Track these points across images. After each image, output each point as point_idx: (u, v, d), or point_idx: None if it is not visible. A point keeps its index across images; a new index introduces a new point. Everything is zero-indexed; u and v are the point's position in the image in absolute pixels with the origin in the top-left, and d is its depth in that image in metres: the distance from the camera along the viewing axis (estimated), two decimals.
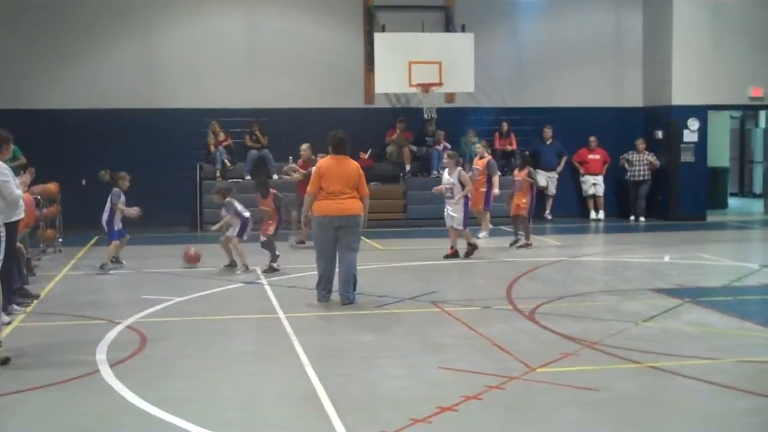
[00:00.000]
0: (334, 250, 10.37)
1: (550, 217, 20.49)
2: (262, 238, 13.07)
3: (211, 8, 19.71)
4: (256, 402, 6.58)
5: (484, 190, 16.34)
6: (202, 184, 18.98)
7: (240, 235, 13.03)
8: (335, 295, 10.44)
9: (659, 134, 20.66)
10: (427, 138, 20.24)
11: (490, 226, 16.88)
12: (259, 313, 9.92)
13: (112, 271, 13.01)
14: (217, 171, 19.08)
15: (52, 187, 15.05)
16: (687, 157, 20.33)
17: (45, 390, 6.88)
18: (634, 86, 21.23)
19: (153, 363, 7.72)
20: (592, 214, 20.69)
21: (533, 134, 20.79)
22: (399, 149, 19.91)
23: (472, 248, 14.11)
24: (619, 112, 21.03)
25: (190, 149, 19.26)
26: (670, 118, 20.29)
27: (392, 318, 9.71)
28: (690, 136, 20.30)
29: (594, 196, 20.81)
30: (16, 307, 9.87)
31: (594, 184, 20.75)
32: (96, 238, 16.30)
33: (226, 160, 19.05)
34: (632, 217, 20.48)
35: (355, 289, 10.42)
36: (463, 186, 13.98)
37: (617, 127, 20.85)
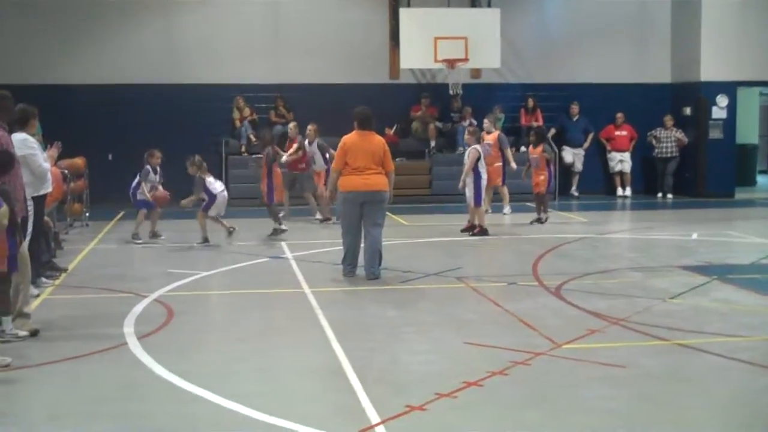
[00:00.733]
0: (360, 225, 10.37)
1: (576, 193, 20.39)
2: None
3: None
4: (282, 375, 6.61)
5: (499, 164, 16.25)
6: (227, 160, 19.02)
7: (205, 209, 13.06)
8: (360, 270, 10.45)
9: (687, 111, 20.46)
10: (452, 114, 20.16)
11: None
12: (285, 288, 9.95)
13: (139, 242, 13.14)
14: (242, 146, 19.11)
15: (79, 161, 15.15)
16: (715, 133, 20.13)
17: (73, 362, 6.95)
18: (662, 62, 21.00)
19: (180, 336, 7.77)
20: (619, 191, 20.56)
21: (560, 110, 20.64)
22: (424, 125, 19.86)
23: (480, 230, 13.78)
24: (646, 89, 20.82)
25: (215, 125, 19.30)
26: (699, 94, 20.07)
27: (417, 293, 9.70)
28: (718, 112, 20.10)
29: (621, 173, 20.67)
30: (44, 280, 9.97)
31: (621, 161, 20.60)
32: (122, 212, 16.40)
33: (251, 136, 19.06)
34: (659, 194, 20.34)
35: (380, 265, 10.43)
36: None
37: (645, 104, 20.65)
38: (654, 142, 20.43)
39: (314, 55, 19.73)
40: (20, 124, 9.00)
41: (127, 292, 9.60)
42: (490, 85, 20.34)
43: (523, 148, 18.71)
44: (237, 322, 8.38)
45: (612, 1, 20.78)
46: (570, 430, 5.44)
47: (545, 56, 20.73)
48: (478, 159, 13.72)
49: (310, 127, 16.00)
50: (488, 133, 16.41)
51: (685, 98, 20.49)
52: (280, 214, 14.56)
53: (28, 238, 8.29)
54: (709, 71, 19.86)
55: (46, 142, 12.23)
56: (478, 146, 13.95)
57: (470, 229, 13.98)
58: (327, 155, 15.52)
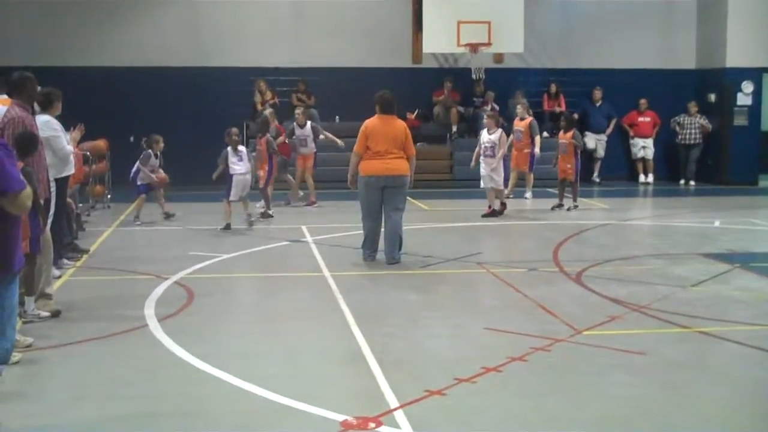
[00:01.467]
0: (380, 209, 10.36)
1: (598, 180, 20.28)
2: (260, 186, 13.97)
3: None
4: (301, 359, 6.62)
5: (528, 151, 16.23)
6: (248, 143, 19.00)
7: (226, 195, 12.90)
8: (380, 255, 10.44)
9: (712, 97, 20.27)
10: (474, 99, 20.08)
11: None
12: (305, 271, 9.96)
13: (137, 223, 13.46)
14: (268, 118, 19.05)
15: (101, 143, 15.23)
16: (740, 120, 19.94)
17: (94, 342, 6.99)
18: (686, 47, 20.80)
19: (200, 318, 7.80)
20: (641, 178, 20.43)
21: (582, 96, 20.51)
22: (446, 110, 19.79)
23: (503, 207, 14.20)
24: (670, 74, 20.64)
25: (237, 107, 19.29)
26: (724, 80, 19.88)
27: (437, 278, 9.69)
28: (744, 99, 19.89)
29: (643, 159, 20.53)
30: (66, 261, 10.03)
31: (643, 147, 20.47)
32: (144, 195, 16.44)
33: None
34: (682, 181, 20.19)
35: (400, 249, 10.42)
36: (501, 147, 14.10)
37: (668, 90, 20.47)
38: (677, 128, 20.27)
39: (337, 39, 19.68)
40: (44, 106, 9.04)
41: (147, 274, 9.65)
42: (513, 70, 20.24)
43: (545, 134, 18.60)
44: (257, 305, 8.41)
45: None
46: (589, 417, 5.42)
47: (568, 41, 20.59)
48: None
49: (298, 111, 16.00)
50: (521, 119, 16.39)
51: (710, 84, 20.30)
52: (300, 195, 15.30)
53: (50, 219, 8.34)
54: (735, 57, 19.64)
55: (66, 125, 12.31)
56: (502, 130, 14.25)
57: (492, 214, 14.04)
58: (318, 138, 15.68)
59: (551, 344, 6.83)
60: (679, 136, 20.24)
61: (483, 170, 14.11)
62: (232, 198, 12.94)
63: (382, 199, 10.29)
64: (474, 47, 18.40)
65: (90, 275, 9.73)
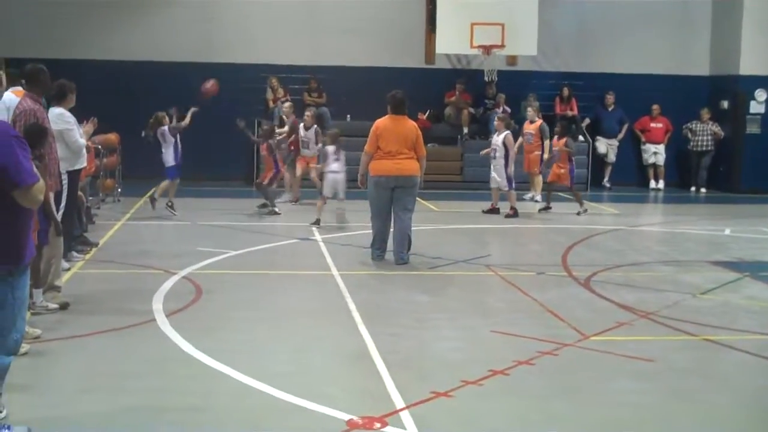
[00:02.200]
0: (390, 209, 10.36)
1: (608, 185, 20.24)
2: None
3: None
4: (308, 357, 6.62)
5: (538, 153, 16.29)
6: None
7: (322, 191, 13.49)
8: (389, 255, 10.44)
9: (725, 104, 20.20)
10: (486, 101, 20.05)
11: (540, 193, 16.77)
12: (314, 270, 9.96)
13: (175, 213, 13.51)
14: (275, 127, 19.09)
15: (112, 137, 15.26)
16: (753, 128, 19.87)
17: (102, 336, 7.01)
18: (700, 54, 20.74)
19: (208, 314, 7.82)
20: (652, 184, 20.38)
21: (595, 100, 20.47)
22: (458, 111, 19.77)
23: (513, 212, 14.34)
24: (683, 81, 20.56)
25: (248, 104, 19.30)
26: (737, 88, 19.81)
27: (446, 280, 9.69)
28: (757, 107, 19.83)
29: (654, 165, 20.48)
30: (75, 254, 10.06)
31: (655, 153, 20.41)
32: (154, 189, 16.47)
33: (284, 116, 19.04)
34: (693, 188, 20.13)
35: (409, 250, 10.42)
36: (507, 149, 14.43)
37: (681, 96, 20.40)
38: (689, 135, 20.21)
39: (350, 38, 19.68)
40: (57, 99, 9.07)
41: (156, 269, 9.66)
42: (526, 73, 20.21)
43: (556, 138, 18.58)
44: (265, 302, 8.42)
45: None
46: (595, 423, 5.42)
47: (582, 45, 20.56)
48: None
49: (308, 113, 15.96)
50: (531, 122, 16.50)
51: (723, 91, 20.23)
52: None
53: (61, 212, 8.37)
54: (749, 65, 19.57)
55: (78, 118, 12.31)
56: (508, 132, 14.49)
57: (493, 210, 14.60)
58: (319, 145, 15.47)
59: (558, 348, 6.82)
60: (691, 143, 20.18)
61: (492, 171, 14.63)
62: (325, 192, 13.25)
63: (392, 199, 10.29)
64: (487, 49, 18.37)
65: (99, 268, 9.75)
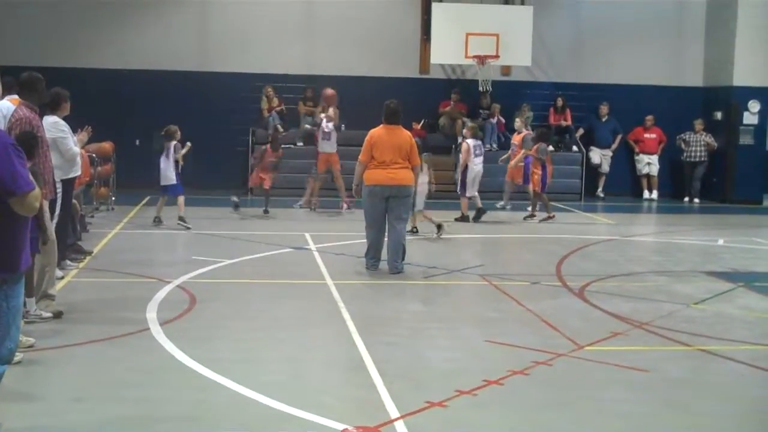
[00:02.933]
0: (384, 219, 10.36)
1: (602, 195, 20.29)
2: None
3: None
4: (302, 367, 6.62)
5: (522, 164, 16.24)
6: (254, 149, 19.06)
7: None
8: (383, 264, 10.45)
9: (718, 115, 20.27)
10: (481, 111, 20.09)
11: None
12: (308, 279, 9.95)
13: (189, 226, 13.32)
14: (269, 136, 19.11)
15: (107, 146, 15.25)
16: (746, 139, 19.94)
17: (95, 345, 6.99)
18: (694, 65, 20.82)
19: (202, 323, 7.80)
20: (646, 194, 20.42)
21: (589, 111, 20.53)
22: (452, 121, 19.79)
23: (462, 217, 14.87)
24: (677, 91, 20.64)
25: (243, 113, 19.34)
26: (731, 99, 19.88)
27: (440, 289, 9.69)
28: (750, 118, 19.90)
29: (648, 176, 20.53)
30: (69, 262, 10.04)
31: (648, 164, 20.47)
32: (148, 197, 16.48)
33: (279, 126, 19.07)
34: (686, 199, 20.18)
35: (403, 259, 10.42)
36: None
37: (675, 107, 20.48)
38: (683, 145, 20.27)
39: (345, 47, 19.74)
40: (52, 107, 9.07)
41: (150, 278, 9.65)
42: (520, 83, 20.27)
43: (550, 148, 18.59)
44: (259, 311, 8.40)
45: (646, 2, 20.61)
46: None
47: (576, 55, 20.63)
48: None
49: (331, 112, 15.98)
50: (518, 133, 16.50)
51: (717, 102, 20.30)
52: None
53: (55, 220, 8.36)
54: (743, 76, 19.65)
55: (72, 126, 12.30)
56: (471, 141, 14.90)
57: (462, 218, 14.98)
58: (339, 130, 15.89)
59: (553, 358, 6.82)
60: (685, 154, 20.24)
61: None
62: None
63: (387, 209, 10.30)
64: (481, 59, 18.44)
65: (93, 277, 9.74)
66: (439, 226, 13.02)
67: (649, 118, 20.41)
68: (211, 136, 18.80)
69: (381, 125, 10.49)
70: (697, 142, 20.09)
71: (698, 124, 20.09)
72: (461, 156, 14.98)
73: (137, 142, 18.71)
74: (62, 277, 9.33)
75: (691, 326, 8.06)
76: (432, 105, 19.91)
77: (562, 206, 16.00)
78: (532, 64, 19.26)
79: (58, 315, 7.71)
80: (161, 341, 7.09)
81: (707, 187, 20.18)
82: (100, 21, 19.15)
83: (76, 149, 9.49)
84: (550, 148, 16.46)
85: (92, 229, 12.92)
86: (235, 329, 7.67)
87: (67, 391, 5.87)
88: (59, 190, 8.70)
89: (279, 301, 8.86)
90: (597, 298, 9.18)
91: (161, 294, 8.85)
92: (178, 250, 11.59)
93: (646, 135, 20.51)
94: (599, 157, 20.33)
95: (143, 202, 16.45)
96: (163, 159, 13.59)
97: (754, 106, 19.77)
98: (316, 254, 11.59)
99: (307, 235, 12.98)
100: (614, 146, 20.49)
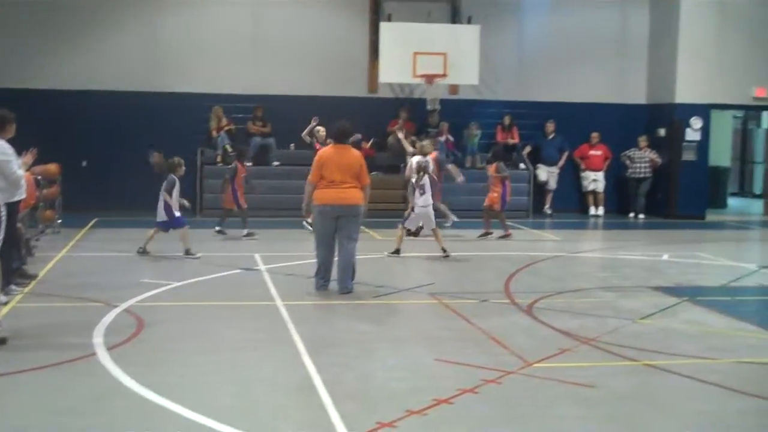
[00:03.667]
0: (334, 239, 10.37)
1: (549, 212, 20.51)
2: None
3: None
4: (252, 389, 6.58)
5: (440, 185, 16.13)
6: (202, 169, 18.96)
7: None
8: (333, 284, 10.44)
9: (662, 132, 20.63)
10: (429, 129, 20.19)
11: (454, 218, 16.88)
12: (257, 300, 9.91)
13: (198, 254, 12.77)
14: (218, 156, 19.06)
15: (52, 168, 15.02)
16: (689, 155, 20.31)
17: (41, 371, 6.88)
18: (638, 83, 21.19)
19: (150, 347, 7.73)
20: (592, 210, 20.69)
21: (536, 128, 20.76)
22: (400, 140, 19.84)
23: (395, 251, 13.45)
24: (622, 109, 21.00)
25: (191, 133, 19.20)
26: (673, 116, 20.27)
27: (390, 309, 9.71)
28: (692, 134, 20.28)
29: (594, 192, 20.80)
30: (14, 287, 9.86)
31: (594, 180, 20.74)
32: (95, 220, 16.29)
33: (228, 146, 19.00)
34: (632, 214, 20.49)
35: (353, 279, 10.43)
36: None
37: (620, 124, 20.83)
38: (628, 162, 20.60)
39: (294, 67, 19.74)
40: None
41: (97, 302, 9.53)
42: (468, 101, 20.43)
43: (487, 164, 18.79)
44: (207, 334, 8.34)
45: (590, 21, 20.96)
46: None
47: (523, 74, 20.87)
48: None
49: (321, 129, 15.88)
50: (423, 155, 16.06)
51: (660, 119, 20.68)
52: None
53: None
54: (684, 93, 20.07)
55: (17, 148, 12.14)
56: (417, 158, 14.75)
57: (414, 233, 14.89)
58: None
59: (502, 376, 6.87)
60: (630, 170, 20.56)
61: None
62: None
63: (336, 229, 10.31)
64: (429, 78, 18.56)
65: (38, 302, 9.58)
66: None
67: (595, 135, 20.71)
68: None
69: (330, 145, 10.50)
70: (642, 159, 20.43)
71: (642, 140, 20.44)
72: (406, 173, 14.91)
73: (84, 164, 18.48)
74: (7, 303, 9.18)
75: (637, 341, 8.17)
76: (381, 124, 19.97)
77: (510, 223, 16.11)
78: (479, 83, 19.40)
79: (2, 341, 7.58)
80: (108, 367, 7.00)
81: (652, 202, 20.51)
82: (45, 41, 18.92)
83: (20, 172, 9.35)
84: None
85: (38, 252, 12.74)
86: (184, 353, 7.61)
87: (11, 420, 5.77)
88: (3, 214, 8.56)
89: (228, 324, 8.81)
90: (545, 314, 9.27)
91: (108, 318, 8.74)
92: (126, 274, 11.46)
93: (592, 152, 20.80)
94: (546, 174, 20.56)
95: (90, 224, 16.25)
96: (164, 194, 13.07)
97: (696, 122, 20.17)
98: (265, 275, 11.55)
99: (257, 256, 12.93)
100: (561, 163, 20.75)
